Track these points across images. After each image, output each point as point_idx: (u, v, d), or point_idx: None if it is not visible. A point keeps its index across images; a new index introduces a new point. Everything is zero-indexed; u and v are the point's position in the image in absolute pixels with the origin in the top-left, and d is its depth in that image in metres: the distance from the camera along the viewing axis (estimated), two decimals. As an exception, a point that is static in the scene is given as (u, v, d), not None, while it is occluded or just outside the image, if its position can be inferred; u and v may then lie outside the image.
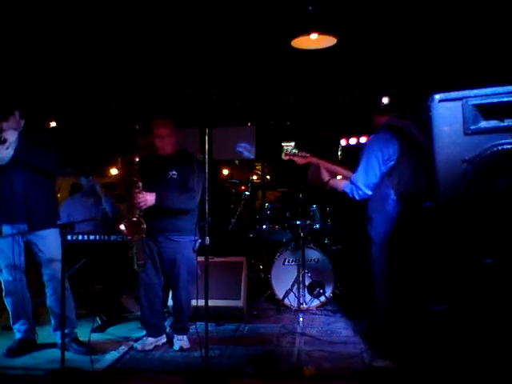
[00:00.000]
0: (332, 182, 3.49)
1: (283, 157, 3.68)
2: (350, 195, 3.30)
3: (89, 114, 6.67)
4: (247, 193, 5.42)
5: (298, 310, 4.72)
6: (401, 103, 3.40)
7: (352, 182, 3.28)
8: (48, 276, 3.64)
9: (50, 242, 3.56)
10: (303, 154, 3.63)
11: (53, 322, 3.72)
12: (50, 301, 3.68)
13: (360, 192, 3.25)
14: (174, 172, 3.68)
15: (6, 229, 3.56)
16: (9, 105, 3.58)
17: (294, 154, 3.64)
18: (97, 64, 6.11)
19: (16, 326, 3.70)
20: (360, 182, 3.24)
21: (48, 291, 3.67)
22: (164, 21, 4.98)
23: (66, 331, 3.57)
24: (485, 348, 2.26)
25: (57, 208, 3.89)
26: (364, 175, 3.24)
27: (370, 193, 3.24)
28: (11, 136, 3.48)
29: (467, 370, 2.30)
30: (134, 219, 3.50)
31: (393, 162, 3.21)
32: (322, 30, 4.21)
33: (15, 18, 4.67)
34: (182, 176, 3.67)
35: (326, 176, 3.52)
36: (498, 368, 2.22)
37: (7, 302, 3.68)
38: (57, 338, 3.62)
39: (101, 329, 4.23)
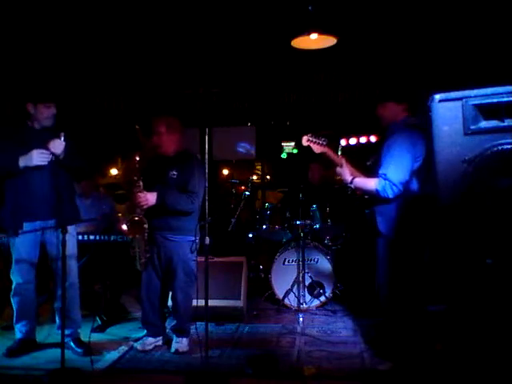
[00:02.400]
0: (357, 180, 3.25)
1: (304, 142, 3.44)
2: (383, 194, 3.09)
3: (89, 114, 6.67)
4: (247, 193, 5.41)
5: (298, 310, 4.72)
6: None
7: (385, 179, 3.08)
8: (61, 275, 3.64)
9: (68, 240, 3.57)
10: (322, 140, 3.39)
11: (58, 320, 3.71)
12: (58, 299, 3.67)
13: (395, 188, 3.05)
14: (174, 172, 3.67)
15: (31, 226, 3.55)
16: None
17: (313, 141, 3.38)
18: (97, 64, 6.11)
19: (18, 326, 3.69)
20: (394, 179, 3.05)
21: (59, 291, 3.64)
22: (164, 21, 4.98)
23: (69, 331, 3.60)
24: (485, 348, 2.26)
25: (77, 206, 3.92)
26: (397, 171, 3.06)
27: (402, 190, 3.07)
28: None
29: (467, 371, 2.30)
30: (136, 218, 3.51)
31: (419, 163, 3.11)
32: (322, 30, 4.21)
33: (16, 19, 4.67)
34: (181, 176, 3.66)
35: (347, 175, 3.26)
36: (498, 368, 2.22)
37: (14, 301, 3.66)
38: (59, 336, 3.62)
39: (101, 329, 4.23)
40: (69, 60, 5.83)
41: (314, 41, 4.35)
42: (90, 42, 5.42)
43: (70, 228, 3.48)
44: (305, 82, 6.41)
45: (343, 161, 3.31)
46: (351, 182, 3.24)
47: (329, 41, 4.38)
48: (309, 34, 4.22)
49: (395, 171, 3.07)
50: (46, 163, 3.45)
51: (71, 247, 3.53)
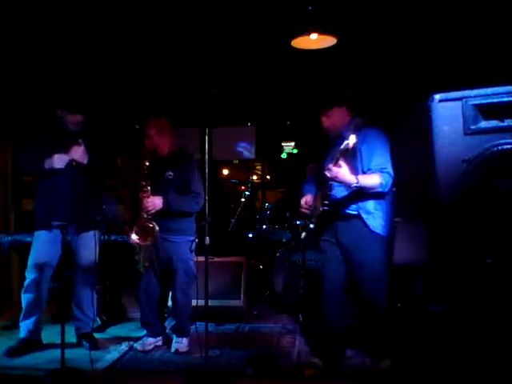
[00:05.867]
0: (361, 178, 3.01)
1: None
2: (384, 188, 3.03)
3: (89, 113, 6.66)
4: (247, 193, 5.41)
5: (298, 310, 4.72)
6: None
7: (387, 172, 3.05)
8: (81, 279, 3.76)
9: (88, 245, 3.69)
10: None
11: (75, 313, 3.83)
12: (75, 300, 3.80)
13: (391, 181, 3.07)
14: (170, 173, 3.65)
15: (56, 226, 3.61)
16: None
17: None
18: (97, 64, 6.11)
19: (27, 323, 3.69)
20: (391, 172, 3.06)
21: (77, 289, 3.80)
22: (164, 21, 4.98)
23: (78, 325, 3.80)
24: (485, 348, 2.26)
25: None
26: (390, 165, 3.08)
27: None
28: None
29: (467, 371, 2.30)
30: (150, 225, 3.48)
31: None
32: (322, 30, 4.21)
33: (15, 18, 4.67)
34: (178, 177, 3.65)
35: (349, 174, 2.97)
36: (498, 368, 2.22)
37: (24, 297, 3.68)
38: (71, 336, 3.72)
39: (101, 329, 4.23)
40: (69, 60, 5.83)
41: (314, 41, 4.34)
42: (89, 42, 5.41)
43: (92, 233, 3.66)
44: (305, 82, 6.40)
45: (340, 162, 2.95)
46: (358, 182, 3.00)
47: (329, 41, 4.37)
48: (309, 33, 4.22)
49: (390, 165, 3.07)
50: (63, 167, 3.54)
51: (93, 252, 3.65)
